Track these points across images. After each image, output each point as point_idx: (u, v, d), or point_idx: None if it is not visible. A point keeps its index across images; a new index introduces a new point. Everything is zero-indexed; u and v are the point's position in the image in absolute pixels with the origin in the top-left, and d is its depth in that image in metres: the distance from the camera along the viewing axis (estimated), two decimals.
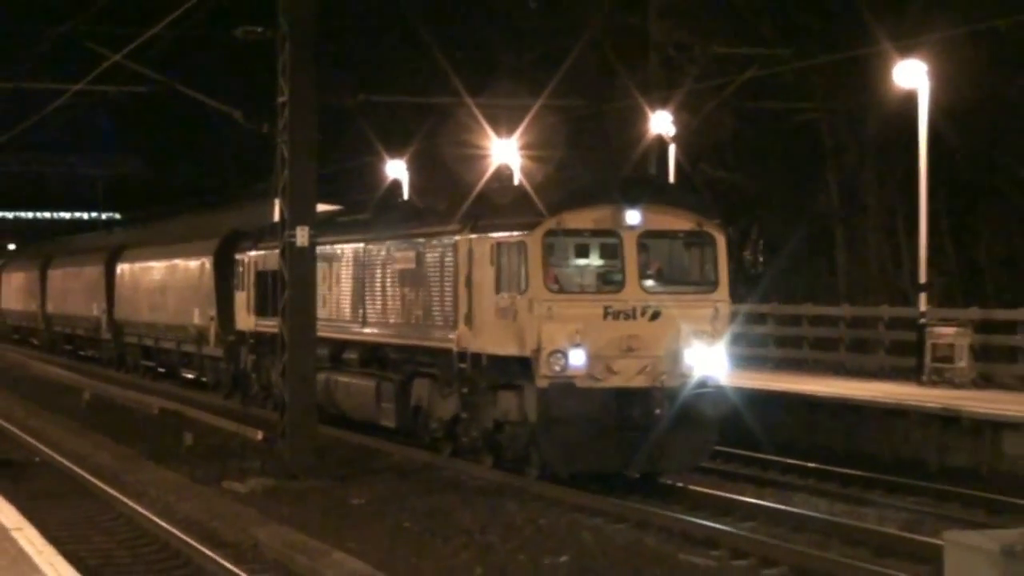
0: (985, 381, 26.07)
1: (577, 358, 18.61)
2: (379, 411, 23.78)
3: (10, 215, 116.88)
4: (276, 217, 22.60)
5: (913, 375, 26.81)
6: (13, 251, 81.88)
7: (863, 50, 30.95)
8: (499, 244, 19.68)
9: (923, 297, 27.61)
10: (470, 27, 49.11)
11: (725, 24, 38.62)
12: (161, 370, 40.42)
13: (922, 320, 27.05)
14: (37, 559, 12.44)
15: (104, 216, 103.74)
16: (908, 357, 27.80)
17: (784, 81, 35.29)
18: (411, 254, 22.56)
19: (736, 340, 23.61)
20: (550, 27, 44.05)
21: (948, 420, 21.92)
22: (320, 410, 25.47)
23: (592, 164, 39.74)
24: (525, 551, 15.43)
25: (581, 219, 19.25)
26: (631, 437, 18.73)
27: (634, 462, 19.01)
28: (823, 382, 26.73)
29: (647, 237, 19.32)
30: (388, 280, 23.54)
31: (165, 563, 15.42)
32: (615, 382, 18.78)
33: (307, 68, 20.72)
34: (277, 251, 21.82)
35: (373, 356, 24.44)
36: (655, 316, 18.97)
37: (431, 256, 21.82)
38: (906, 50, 28.02)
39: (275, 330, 22.27)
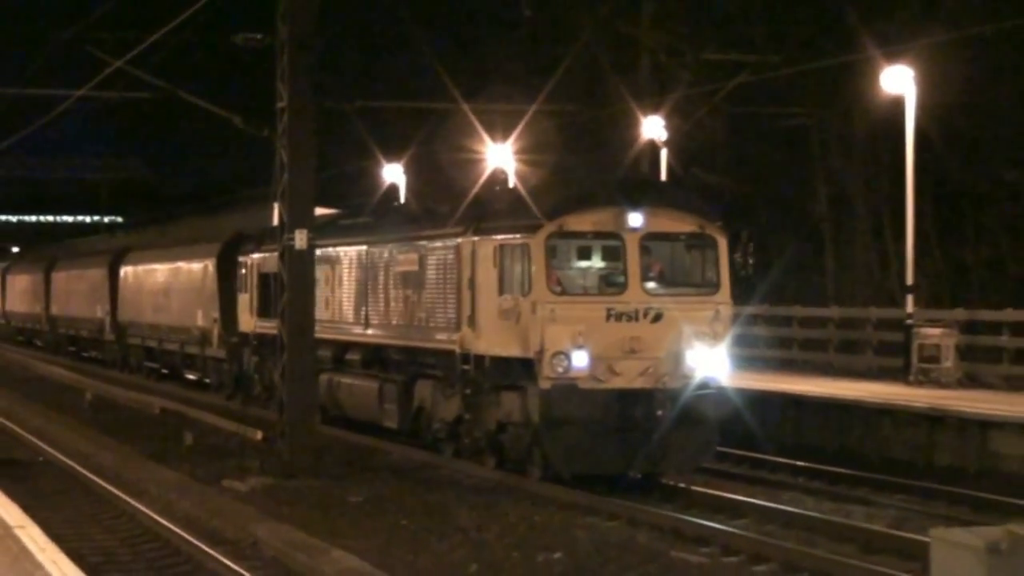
0: (971, 381, 26.28)
1: (580, 360, 18.63)
2: (382, 412, 23.76)
3: (14, 218, 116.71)
4: (275, 221, 22.79)
5: (900, 375, 27.00)
6: (17, 254, 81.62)
7: (851, 56, 31.21)
8: (502, 246, 19.67)
9: (910, 299, 27.79)
10: (466, 34, 49.40)
11: (716, 31, 38.88)
12: (164, 371, 40.41)
13: (909, 321, 27.25)
14: (40, 556, 12.51)
15: (107, 219, 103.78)
16: (896, 357, 28.00)
17: (774, 87, 35.40)
18: (414, 256, 22.54)
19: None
20: (545, 34, 44.28)
21: (934, 419, 22.05)
22: (323, 411, 25.49)
23: (586, 168, 39.96)
24: (520, 548, 15.48)
25: (584, 221, 19.28)
26: (633, 438, 18.73)
27: (636, 463, 18.99)
28: (812, 382, 26.81)
29: (649, 239, 19.34)
30: (391, 282, 23.51)
31: (166, 560, 15.45)
32: (617, 383, 18.78)
33: (306, 74, 20.81)
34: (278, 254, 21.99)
35: (376, 358, 24.40)
36: (657, 318, 18.98)
37: (434, 258, 21.78)
38: (893, 56, 28.19)
39: (276, 331, 22.24)
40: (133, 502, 18.55)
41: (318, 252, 24.20)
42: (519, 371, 19.33)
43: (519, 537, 16.17)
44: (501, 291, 19.63)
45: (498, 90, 42.13)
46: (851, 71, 32.64)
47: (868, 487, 20.16)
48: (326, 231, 26.13)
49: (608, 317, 18.91)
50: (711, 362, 19.04)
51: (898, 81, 27.66)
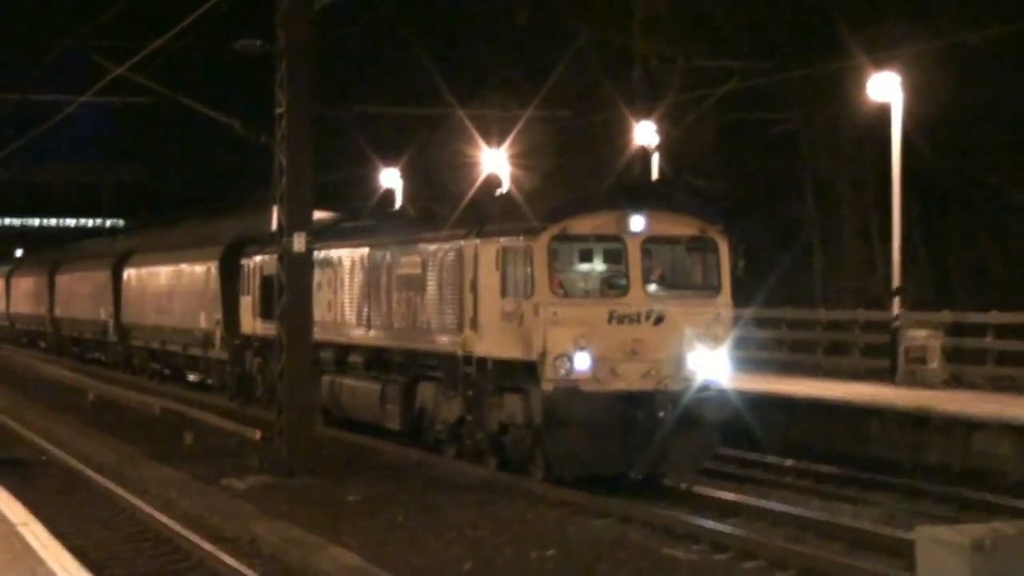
0: (956, 382, 26.36)
1: (582, 362, 18.71)
2: (384, 413, 23.79)
3: (17, 222, 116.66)
4: (275, 224, 23.06)
5: (887, 376, 27.10)
6: (21, 257, 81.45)
7: (839, 63, 31.41)
8: (504, 249, 19.72)
9: (897, 301, 27.88)
10: (461, 41, 49.67)
11: (706, 38, 39.15)
12: (167, 372, 40.45)
13: (896, 323, 27.34)
14: (43, 553, 12.64)
15: (108, 223, 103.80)
16: (882, 359, 28.05)
17: (763, 93, 35.53)
18: (416, 259, 22.58)
19: None
20: (538, 41, 44.53)
21: (920, 419, 22.05)
22: (326, 413, 25.55)
23: (579, 173, 40.23)
24: (513, 545, 15.56)
25: (586, 225, 19.33)
26: (634, 440, 18.79)
27: (637, 464, 19.08)
28: (801, 383, 26.75)
29: (651, 242, 19.43)
30: (393, 285, 23.51)
31: (166, 557, 15.57)
32: (619, 385, 18.85)
33: (304, 81, 20.99)
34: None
35: (378, 359, 24.44)
36: (659, 320, 19.04)
37: (436, 261, 21.79)
38: (880, 63, 28.35)
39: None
40: (134, 500, 18.63)
41: (320, 255, 24.43)
42: (521, 373, 19.42)
43: (513, 535, 16.27)
44: (503, 294, 19.71)
45: (493, 96, 42.40)
46: (839, 78, 32.88)
47: (855, 486, 20.28)
48: (328, 234, 26.21)
49: (610, 320, 18.96)
50: (712, 364, 19.14)
51: (885, 88, 27.79)
